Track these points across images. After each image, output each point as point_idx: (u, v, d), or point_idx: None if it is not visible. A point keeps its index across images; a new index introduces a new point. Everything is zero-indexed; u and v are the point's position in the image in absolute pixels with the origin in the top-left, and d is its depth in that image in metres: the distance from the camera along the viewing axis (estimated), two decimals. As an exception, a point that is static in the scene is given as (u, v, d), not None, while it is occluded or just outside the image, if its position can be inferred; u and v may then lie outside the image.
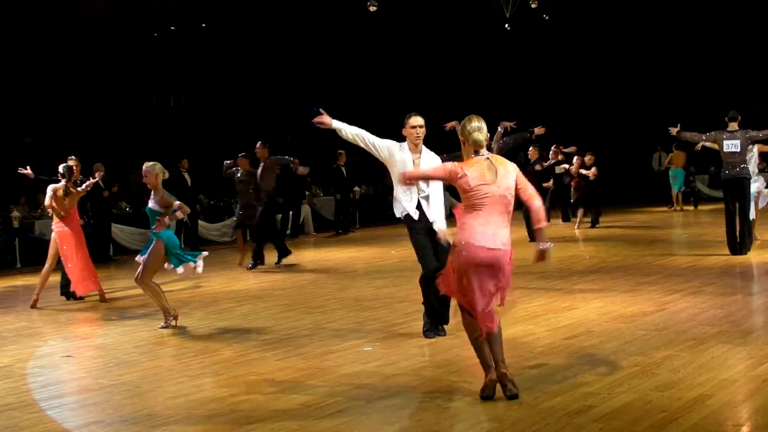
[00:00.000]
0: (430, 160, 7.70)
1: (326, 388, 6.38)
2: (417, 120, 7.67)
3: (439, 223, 7.69)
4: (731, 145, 12.24)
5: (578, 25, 27.02)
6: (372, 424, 5.54)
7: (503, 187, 5.83)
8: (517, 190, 5.93)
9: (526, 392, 5.87)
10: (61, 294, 11.85)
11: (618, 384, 6.05)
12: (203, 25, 25.68)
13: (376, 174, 25.46)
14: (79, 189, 11.43)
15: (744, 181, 12.42)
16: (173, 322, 9.17)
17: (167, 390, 6.60)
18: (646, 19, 26.52)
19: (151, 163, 9.39)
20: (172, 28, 25.41)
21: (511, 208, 5.93)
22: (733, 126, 12.39)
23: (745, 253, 12.56)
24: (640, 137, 25.31)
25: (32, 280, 13.85)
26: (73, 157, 12.20)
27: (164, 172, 9.30)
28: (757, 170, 13.25)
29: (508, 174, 5.88)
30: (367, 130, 7.80)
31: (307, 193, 21.36)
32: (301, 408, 5.91)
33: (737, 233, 12.54)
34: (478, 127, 5.94)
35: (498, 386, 5.83)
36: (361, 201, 22.85)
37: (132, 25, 24.46)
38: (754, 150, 13.02)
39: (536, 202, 6.01)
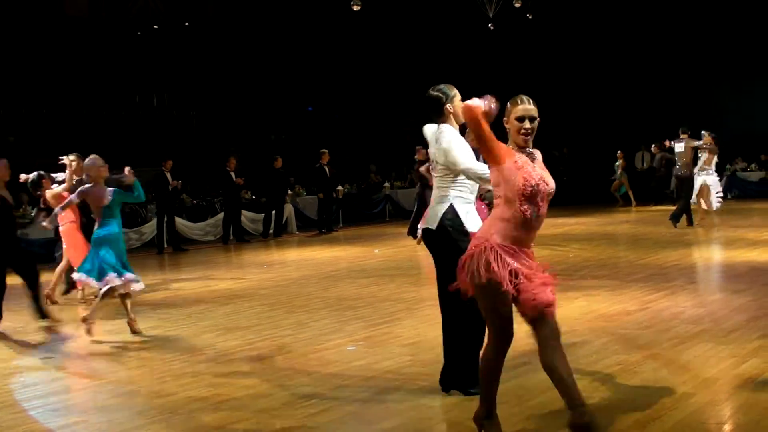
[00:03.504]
0: None
1: (309, 387, 6.37)
2: None
3: None
4: (678, 147, 17.07)
5: (562, 25, 27.09)
6: (355, 424, 5.54)
7: None
8: None
9: (510, 391, 5.87)
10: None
11: (601, 382, 6.08)
12: (186, 24, 25.61)
13: (359, 173, 25.50)
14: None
15: (686, 177, 16.86)
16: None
17: (150, 390, 6.57)
18: (629, 18, 26.62)
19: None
20: (155, 27, 25.32)
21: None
22: (684, 136, 16.92)
23: (676, 225, 16.66)
24: (624, 136, 25.41)
25: (14, 279, 13.74)
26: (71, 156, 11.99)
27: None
28: (706, 169, 16.92)
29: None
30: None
31: (290, 192, 21.32)
32: (285, 407, 5.90)
33: (678, 210, 16.96)
34: None
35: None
36: (344, 200, 22.82)
37: (115, 24, 24.36)
38: (703, 155, 16.97)
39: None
